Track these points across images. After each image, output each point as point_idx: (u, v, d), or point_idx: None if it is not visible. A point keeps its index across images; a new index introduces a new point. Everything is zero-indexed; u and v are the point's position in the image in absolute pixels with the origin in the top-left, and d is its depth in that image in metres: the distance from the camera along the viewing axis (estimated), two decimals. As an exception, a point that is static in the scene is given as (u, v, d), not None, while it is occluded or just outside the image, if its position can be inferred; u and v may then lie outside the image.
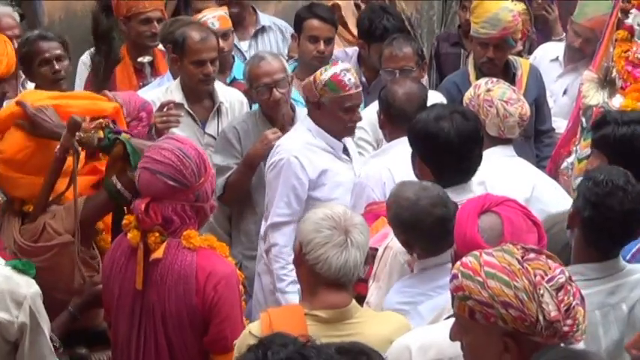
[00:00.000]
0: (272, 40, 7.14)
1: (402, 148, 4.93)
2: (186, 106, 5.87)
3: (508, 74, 6.34)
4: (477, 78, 6.27)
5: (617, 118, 4.48)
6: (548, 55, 7.08)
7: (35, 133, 4.25)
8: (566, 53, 7.01)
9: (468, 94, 5.22)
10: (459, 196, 4.22)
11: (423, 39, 9.05)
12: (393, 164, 4.93)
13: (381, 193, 4.98)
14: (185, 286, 3.88)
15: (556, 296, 2.85)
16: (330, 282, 3.60)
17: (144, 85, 6.28)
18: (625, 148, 4.39)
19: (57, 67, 5.65)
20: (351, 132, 5.53)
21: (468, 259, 2.94)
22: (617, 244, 3.89)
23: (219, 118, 5.96)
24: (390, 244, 4.32)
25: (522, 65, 6.48)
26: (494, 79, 5.35)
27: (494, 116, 5.09)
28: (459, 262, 2.96)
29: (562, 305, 2.85)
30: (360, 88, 5.46)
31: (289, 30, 7.11)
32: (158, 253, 3.88)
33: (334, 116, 5.42)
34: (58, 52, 5.68)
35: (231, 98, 6.04)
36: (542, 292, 2.85)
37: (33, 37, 5.74)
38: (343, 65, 5.54)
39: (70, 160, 4.20)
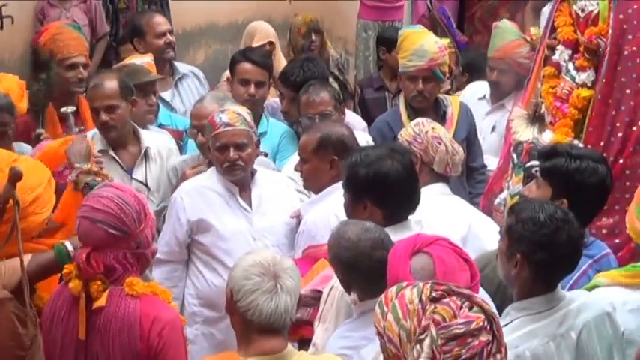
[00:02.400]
0: (191, 86, 7.24)
1: (341, 192, 4.95)
2: (111, 152, 5.85)
3: (438, 112, 6.41)
4: (409, 116, 6.37)
5: (569, 151, 4.55)
6: (476, 93, 7.19)
7: None
8: (491, 92, 7.12)
9: (408, 132, 5.25)
10: (400, 234, 4.23)
11: (357, 78, 9.11)
12: (338, 209, 4.90)
13: None
14: (129, 334, 3.85)
15: (441, 345, 2.84)
16: (263, 328, 3.59)
17: (68, 135, 6.23)
18: (575, 181, 4.45)
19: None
20: (229, 172, 5.42)
21: (391, 288, 2.98)
22: (565, 275, 3.95)
23: (147, 163, 5.94)
24: (336, 285, 4.31)
25: (452, 103, 6.54)
26: (429, 120, 5.39)
27: (444, 153, 5.16)
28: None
29: (442, 355, 2.83)
30: (234, 127, 5.35)
31: (202, 75, 7.31)
32: (101, 302, 3.85)
33: (214, 157, 5.44)
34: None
35: (158, 143, 6.03)
36: (424, 337, 2.86)
37: None
38: (228, 106, 5.53)
39: None
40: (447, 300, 2.89)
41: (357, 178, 4.54)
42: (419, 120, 5.40)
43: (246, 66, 6.59)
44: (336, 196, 5.01)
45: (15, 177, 4.17)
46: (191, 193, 5.48)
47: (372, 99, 7.91)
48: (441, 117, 6.33)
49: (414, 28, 6.99)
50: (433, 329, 2.84)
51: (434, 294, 2.89)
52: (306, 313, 4.27)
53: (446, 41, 6.84)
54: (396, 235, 4.20)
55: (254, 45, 7.66)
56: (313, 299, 4.33)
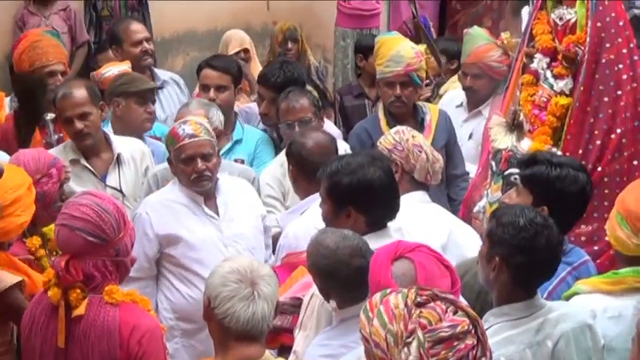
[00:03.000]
0: (172, 93, 7.23)
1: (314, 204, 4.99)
2: (82, 161, 5.83)
3: (416, 119, 6.41)
4: (388, 123, 6.38)
5: (549, 159, 4.57)
6: (454, 101, 7.21)
7: None
8: (467, 99, 7.14)
9: (389, 140, 5.26)
10: (379, 242, 4.24)
11: (336, 86, 9.13)
12: (318, 220, 4.87)
13: None
14: (109, 342, 3.84)
15: (428, 348, 2.86)
16: (240, 335, 3.60)
17: (47, 142, 6.21)
18: (555, 188, 4.47)
19: None
20: (197, 184, 5.39)
21: (375, 295, 3.00)
22: (543, 281, 3.97)
23: (120, 168, 5.91)
24: (316, 293, 4.30)
25: (431, 110, 6.55)
26: (408, 127, 5.41)
27: (425, 161, 5.18)
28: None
29: (430, 358, 2.86)
30: (199, 138, 5.33)
31: (182, 82, 7.30)
32: (80, 310, 3.84)
33: (179, 169, 5.40)
34: None
35: (130, 147, 6.00)
36: (411, 340, 2.88)
37: None
38: (190, 117, 5.50)
39: None
40: (432, 305, 2.91)
41: (340, 186, 4.54)
42: (398, 128, 5.41)
43: (207, 72, 6.61)
44: (315, 206, 5.02)
45: None
46: (156, 206, 5.43)
47: (352, 106, 7.93)
48: (419, 124, 6.34)
49: (390, 34, 7.02)
50: (420, 333, 2.86)
51: (419, 299, 2.92)
52: (287, 321, 4.26)
53: (422, 47, 6.84)
54: (377, 241, 4.22)
55: (229, 52, 7.68)
56: (293, 307, 4.33)
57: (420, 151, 5.19)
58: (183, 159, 5.34)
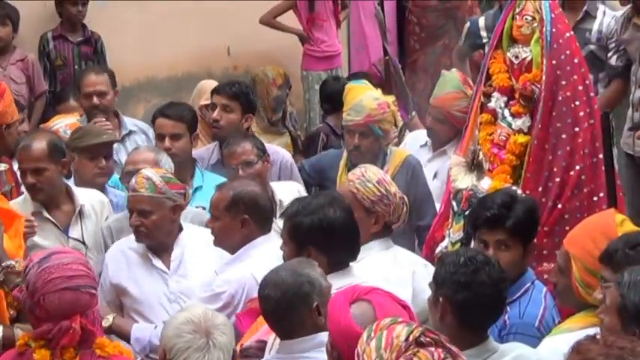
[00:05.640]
0: (139, 142, 7.13)
1: (258, 250, 4.99)
2: (45, 213, 5.79)
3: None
4: (346, 164, 6.38)
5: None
6: (418, 141, 7.19)
7: None
8: (430, 138, 7.16)
9: (371, 191, 5.09)
10: (342, 281, 4.27)
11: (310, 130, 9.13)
12: (255, 269, 4.87)
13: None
14: None
15: None
16: None
17: (3, 194, 6.16)
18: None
19: None
20: (135, 236, 5.41)
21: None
22: (489, 321, 3.94)
23: (82, 220, 5.87)
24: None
25: (394, 158, 6.46)
26: (375, 168, 5.36)
27: (405, 213, 5.17)
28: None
29: None
30: (137, 193, 5.35)
31: (150, 130, 7.17)
32: None
33: None
34: None
35: (91, 199, 5.96)
36: None
37: None
38: (141, 170, 5.49)
39: None
40: (432, 349, 2.93)
41: (301, 227, 4.54)
42: (363, 167, 5.30)
43: (160, 121, 6.59)
44: (253, 255, 5.02)
45: None
46: (116, 255, 5.47)
47: (338, 144, 7.90)
48: None
49: (358, 82, 7.00)
50: None
51: (422, 339, 2.93)
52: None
53: (390, 98, 6.83)
54: (340, 280, 4.24)
55: (201, 103, 7.65)
56: (258, 349, 4.30)
57: (403, 204, 5.15)
58: (129, 209, 5.40)
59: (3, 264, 4.35)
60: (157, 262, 5.40)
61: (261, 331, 4.41)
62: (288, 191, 6.03)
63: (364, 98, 6.46)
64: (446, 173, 6.53)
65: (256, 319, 4.56)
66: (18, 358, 3.88)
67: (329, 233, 4.52)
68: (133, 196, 5.37)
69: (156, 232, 5.37)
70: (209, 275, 5.25)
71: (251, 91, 7.12)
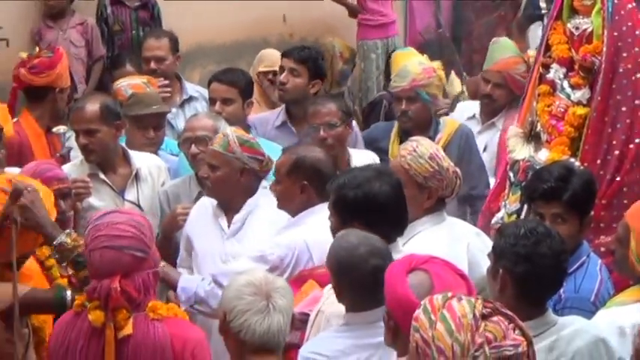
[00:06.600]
0: (199, 109, 7.12)
1: (315, 218, 4.96)
2: (101, 175, 5.83)
3: (427, 135, 6.08)
4: (398, 133, 6.39)
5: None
6: (465, 113, 7.16)
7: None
8: (482, 109, 7.11)
9: (425, 167, 4.97)
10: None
11: (367, 100, 9.12)
12: (309, 236, 4.90)
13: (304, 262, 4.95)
14: (162, 358, 3.82)
15: None
16: (257, 348, 3.61)
17: (62, 156, 6.23)
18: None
19: None
20: (205, 190, 5.50)
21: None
22: (549, 293, 3.92)
23: (138, 184, 5.91)
24: (322, 309, 4.28)
25: (447, 127, 6.45)
26: (427, 140, 5.26)
27: (459, 187, 5.09)
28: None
29: None
30: (212, 147, 5.38)
31: None
32: (128, 330, 3.81)
33: None
34: None
35: (148, 163, 6.00)
36: (478, 354, 2.86)
37: None
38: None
39: None
40: (495, 319, 2.92)
41: (346, 200, 4.49)
42: (422, 145, 5.10)
43: (213, 85, 6.60)
44: (309, 221, 5.02)
45: (15, 194, 4.17)
46: (198, 207, 5.51)
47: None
48: None
49: (403, 49, 7.02)
50: (486, 348, 2.86)
51: (484, 311, 2.92)
52: (295, 337, 4.23)
53: (436, 63, 6.80)
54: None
55: (258, 70, 7.65)
56: (301, 322, 4.30)
57: (457, 177, 5.06)
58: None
59: (55, 242, 4.35)
60: (222, 221, 5.41)
61: (305, 301, 4.41)
62: (364, 159, 5.97)
63: (409, 63, 6.47)
64: (495, 146, 6.53)
65: (300, 289, 4.57)
66: (75, 319, 3.92)
67: (373, 208, 4.45)
68: (208, 149, 5.40)
69: (219, 188, 5.36)
70: (265, 244, 5.23)
71: (321, 57, 7.10)
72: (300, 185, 5.14)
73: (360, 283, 3.99)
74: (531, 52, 6.98)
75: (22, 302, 4.10)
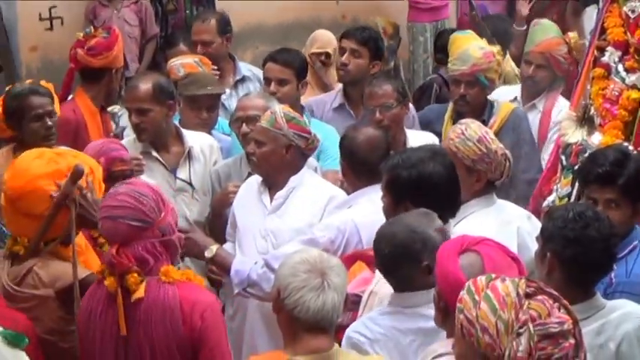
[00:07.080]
0: (251, 89, 7.13)
1: (366, 199, 4.97)
2: (154, 153, 5.87)
3: (481, 119, 6.13)
4: (452, 116, 6.38)
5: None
6: (506, 96, 7.08)
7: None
8: (523, 91, 7.08)
9: (472, 150, 4.99)
10: None
11: (415, 83, 9.11)
12: (356, 215, 4.92)
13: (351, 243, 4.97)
14: (172, 319, 3.87)
15: (537, 342, 2.86)
16: (310, 326, 3.60)
17: (115, 135, 6.28)
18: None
19: (49, 123, 5.63)
20: (251, 166, 5.52)
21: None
22: (597, 277, 3.90)
23: (191, 162, 5.94)
24: (375, 290, 4.28)
25: (501, 111, 6.43)
26: (478, 125, 5.25)
27: (508, 169, 5.08)
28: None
29: (537, 352, 2.86)
30: (260, 123, 5.39)
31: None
32: (140, 293, 3.88)
33: None
34: (50, 108, 5.66)
35: (201, 142, 6.03)
36: (523, 330, 2.86)
37: (24, 91, 5.68)
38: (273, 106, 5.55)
39: None
40: (540, 297, 2.93)
41: (399, 180, 4.50)
42: (472, 129, 5.10)
43: (268, 65, 6.59)
44: (362, 200, 5.04)
45: (77, 175, 4.21)
46: (246, 184, 5.55)
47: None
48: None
49: (463, 32, 6.98)
50: (531, 325, 2.87)
51: (528, 290, 2.93)
52: (346, 318, 4.24)
53: (496, 48, 6.79)
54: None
55: (310, 51, 7.65)
56: (353, 303, 4.30)
57: (506, 160, 5.05)
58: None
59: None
60: (265, 197, 5.42)
61: (354, 282, 4.41)
62: (423, 140, 5.95)
63: (470, 47, 6.45)
64: (537, 127, 6.49)
65: (350, 269, 4.58)
66: (97, 287, 4.02)
67: (426, 188, 4.45)
68: (256, 125, 5.42)
69: (264, 164, 5.36)
70: (305, 223, 5.28)
71: (380, 38, 7.11)
72: (341, 165, 5.26)
73: (412, 258, 3.97)
74: (572, 35, 6.98)
75: (81, 284, 4.14)
